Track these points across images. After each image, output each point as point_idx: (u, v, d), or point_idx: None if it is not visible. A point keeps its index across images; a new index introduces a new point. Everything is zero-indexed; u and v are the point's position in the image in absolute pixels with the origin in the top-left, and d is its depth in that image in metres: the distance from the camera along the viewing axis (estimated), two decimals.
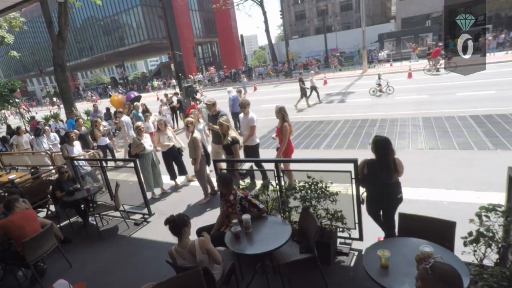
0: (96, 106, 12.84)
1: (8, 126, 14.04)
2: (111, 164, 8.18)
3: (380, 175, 3.11)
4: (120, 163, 7.96)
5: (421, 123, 8.29)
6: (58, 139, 9.31)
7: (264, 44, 76.58)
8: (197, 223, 4.77)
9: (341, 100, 14.13)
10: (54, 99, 41.14)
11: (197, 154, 5.31)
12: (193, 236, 2.90)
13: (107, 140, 8.63)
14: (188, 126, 5.51)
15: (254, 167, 5.38)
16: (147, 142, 5.97)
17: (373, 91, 13.74)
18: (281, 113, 5.14)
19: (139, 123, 6.22)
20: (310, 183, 3.45)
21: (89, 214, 5.20)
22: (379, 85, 13.52)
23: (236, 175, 4.43)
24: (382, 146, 3.11)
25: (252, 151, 5.63)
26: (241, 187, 3.90)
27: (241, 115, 5.85)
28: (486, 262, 2.39)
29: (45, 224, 3.94)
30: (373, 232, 3.54)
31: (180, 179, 6.68)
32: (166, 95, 14.35)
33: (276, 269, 3.19)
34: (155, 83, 40.22)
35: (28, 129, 14.06)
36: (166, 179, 6.50)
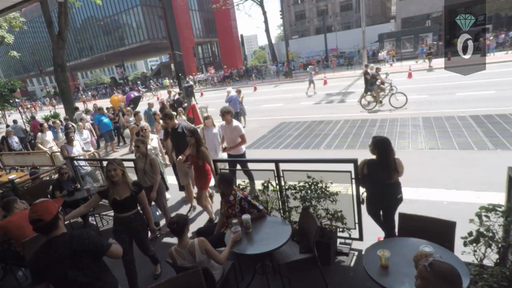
0: (96, 106, 12.83)
1: (8, 126, 14.02)
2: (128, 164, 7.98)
3: (380, 175, 3.11)
4: None
5: (421, 123, 8.29)
6: (89, 137, 8.73)
7: (264, 44, 76.62)
8: (197, 223, 4.78)
9: (341, 100, 14.13)
10: (51, 99, 41.26)
11: (156, 180, 4.36)
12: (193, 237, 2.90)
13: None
14: (138, 146, 4.37)
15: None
16: (151, 144, 5.52)
17: None
18: (194, 137, 4.36)
19: (143, 123, 6.00)
20: (310, 183, 3.45)
21: (89, 214, 5.20)
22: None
23: (153, 230, 3.64)
24: (382, 146, 3.11)
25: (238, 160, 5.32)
26: (241, 187, 3.90)
27: (223, 123, 5.35)
28: (486, 262, 2.39)
29: None
30: (373, 232, 3.54)
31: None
32: (169, 92, 14.25)
33: (276, 269, 3.19)
34: (167, 81, 39.57)
35: (28, 129, 14.03)
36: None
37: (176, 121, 5.23)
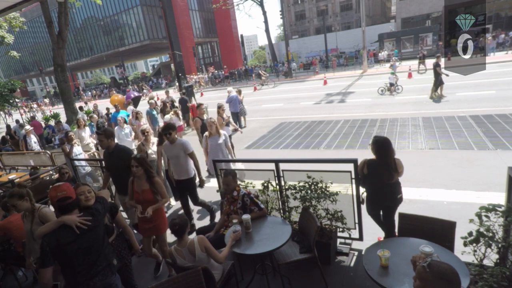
0: (95, 106, 12.85)
1: (8, 126, 14.01)
2: None
3: (381, 176, 3.11)
4: None
5: (421, 123, 8.29)
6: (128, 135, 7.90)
7: (264, 44, 76.70)
8: (197, 224, 4.78)
9: (341, 100, 14.13)
10: (46, 100, 40.98)
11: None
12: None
13: (230, 130, 7.17)
14: (15, 205, 3.07)
15: (241, 166, 4.86)
16: (152, 149, 5.22)
17: (382, 90, 13.58)
18: (142, 166, 3.32)
19: (145, 126, 5.78)
20: (310, 183, 3.45)
21: None
22: (392, 84, 13.19)
23: (137, 249, 3.11)
24: (383, 146, 3.11)
25: (187, 185, 4.39)
26: (241, 186, 3.90)
27: (166, 143, 4.40)
28: (486, 262, 2.39)
29: None
30: (373, 232, 3.54)
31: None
32: (167, 92, 14.20)
33: (276, 269, 3.20)
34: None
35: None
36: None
37: (114, 143, 4.02)
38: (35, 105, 35.81)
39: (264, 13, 34.49)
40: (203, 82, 32.98)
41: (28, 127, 10.31)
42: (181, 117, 10.26)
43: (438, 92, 11.47)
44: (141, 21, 46.40)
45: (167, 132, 4.24)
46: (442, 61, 10.97)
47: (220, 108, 6.98)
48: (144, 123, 9.47)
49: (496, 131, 6.85)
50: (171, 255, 2.71)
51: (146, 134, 5.28)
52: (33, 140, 9.82)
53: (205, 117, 6.89)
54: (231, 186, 3.35)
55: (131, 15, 47.05)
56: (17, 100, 21.69)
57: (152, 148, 5.34)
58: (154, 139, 5.48)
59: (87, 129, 8.62)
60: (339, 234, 3.56)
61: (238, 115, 11.07)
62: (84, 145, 8.05)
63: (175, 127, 4.39)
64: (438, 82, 11.22)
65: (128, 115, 10.26)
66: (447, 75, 10.82)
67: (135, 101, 15.44)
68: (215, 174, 4.44)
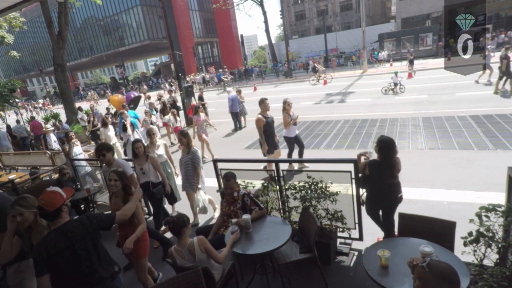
0: (92, 107, 12.85)
1: (8, 126, 14.02)
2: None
3: (384, 176, 3.11)
4: None
5: (421, 123, 8.29)
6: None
7: (264, 44, 76.70)
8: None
9: (341, 100, 14.12)
10: (41, 100, 40.49)
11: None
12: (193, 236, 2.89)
13: (296, 131, 6.39)
14: None
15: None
16: (157, 152, 5.03)
17: (385, 90, 13.57)
18: (121, 181, 2.98)
19: (151, 126, 5.72)
20: (310, 183, 3.45)
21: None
22: (396, 84, 13.19)
23: None
24: (386, 147, 3.10)
25: None
26: (241, 187, 3.90)
27: (104, 165, 3.89)
28: (486, 262, 2.39)
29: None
30: (373, 232, 3.54)
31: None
32: (170, 92, 14.19)
33: (276, 269, 3.20)
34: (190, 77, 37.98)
35: (28, 129, 14.03)
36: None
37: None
38: (40, 104, 35.25)
39: (264, 13, 34.48)
40: (196, 83, 31.42)
41: (49, 126, 10.13)
42: (177, 118, 10.28)
43: (509, 86, 10.47)
44: (141, 21, 46.44)
45: (100, 154, 3.64)
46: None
47: (285, 103, 5.85)
48: (154, 121, 9.42)
49: (496, 131, 6.85)
50: (171, 256, 2.71)
51: (152, 135, 5.04)
52: (53, 139, 9.52)
53: (268, 114, 5.82)
54: (234, 188, 3.36)
55: (131, 15, 47.08)
56: (17, 100, 21.69)
57: (157, 152, 5.07)
58: (160, 142, 5.23)
59: (111, 127, 8.24)
60: (339, 234, 3.56)
61: (238, 115, 11.07)
62: (112, 145, 7.80)
63: (110, 148, 3.77)
64: (505, 76, 10.22)
65: (137, 117, 10.19)
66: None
67: (135, 102, 15.44)
68: (215, 175, 4.43)
